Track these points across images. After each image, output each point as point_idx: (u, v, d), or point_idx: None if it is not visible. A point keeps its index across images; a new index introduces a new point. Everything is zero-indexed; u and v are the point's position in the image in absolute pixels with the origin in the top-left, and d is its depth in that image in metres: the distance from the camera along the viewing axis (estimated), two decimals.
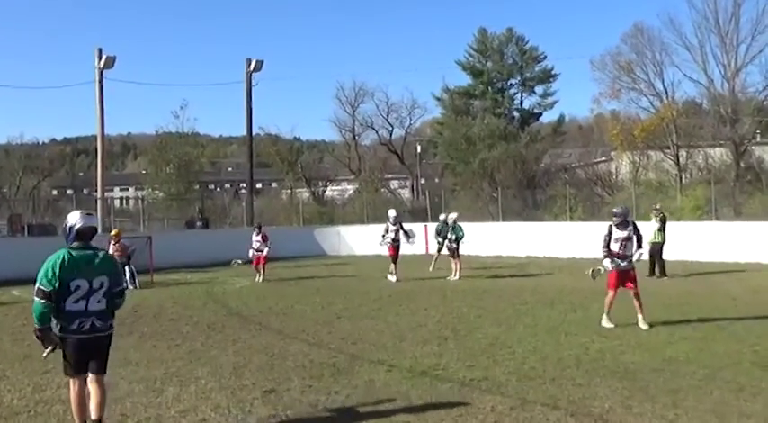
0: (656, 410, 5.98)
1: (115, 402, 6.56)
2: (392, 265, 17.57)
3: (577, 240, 21.94)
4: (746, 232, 20.26)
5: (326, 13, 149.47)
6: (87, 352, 5.34)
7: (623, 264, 10.18)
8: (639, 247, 10.30)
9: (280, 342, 9.55)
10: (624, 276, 10.18)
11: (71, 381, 5.43)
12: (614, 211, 10.56)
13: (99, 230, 5.69)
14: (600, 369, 7.50)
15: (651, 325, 9.91)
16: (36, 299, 5.21)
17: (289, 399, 6.62)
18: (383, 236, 18.08)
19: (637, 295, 10.13)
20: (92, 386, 5.38)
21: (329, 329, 10.45)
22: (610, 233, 10.23)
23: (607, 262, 10.22)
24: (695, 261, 19.62)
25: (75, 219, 5.42)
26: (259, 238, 18.03)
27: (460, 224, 18.58)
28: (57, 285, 5.15)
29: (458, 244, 18.13)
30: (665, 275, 16.84)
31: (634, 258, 10.27)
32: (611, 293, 10.18)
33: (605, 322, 10.09)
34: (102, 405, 5.37)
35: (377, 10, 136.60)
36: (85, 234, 5.42)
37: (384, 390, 6.86)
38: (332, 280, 18.10)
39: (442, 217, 20.12)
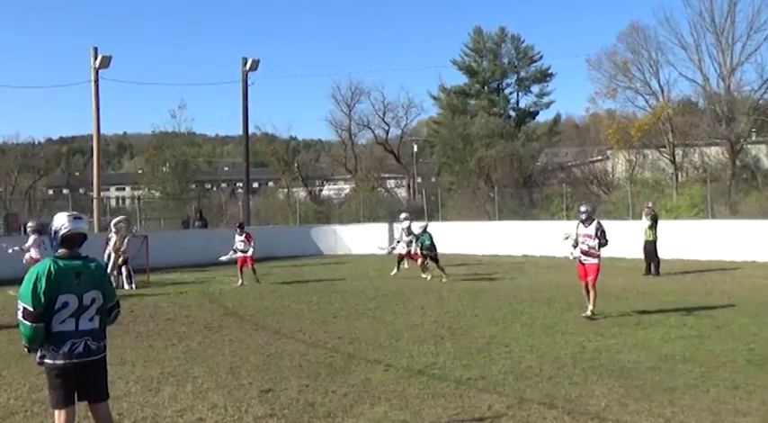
0: (653, 409, 6.00)
1: (112, 402, 6.52)
2: (424, 265, 17.43)
3: None
4: (742, 230, 20.30)
5: (322, 13, 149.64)
6: (80, 379, 4.58)
7: (584, 258, 11.01)
8: (600, 247, 10.97)
9: (276, 341, 9.55)
10: (584, 268, 10.99)
11: (58, 412, 4.57)
12: (581, 208, 11.45)
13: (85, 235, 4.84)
14: (596, 368, 7.51)
15: (595, 315, 10.62)
16: (23, 321, 4.51)
17: (285, 398, 6.62)
18: (398, 242, 18.18)
19: (593, 287, 10.88)
20: (95, 416, 4.75)
21: (326, 329, 10.46)
22: (577, 229, 11.16)
23: (576, 251, 11.16)
24: (691, 259, 19.66)
25: (61, 222, 4.63)
26: (242, 238, 17.13)
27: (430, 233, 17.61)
28: (44, 303, 4.44)
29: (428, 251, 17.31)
30: (659, 274, 16.88)
31: (584, 248, 11.01)
32: (582, 283, 11.06)
33: (588, 312, 10.79)
34: None
35: (373, 9, 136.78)
36: (73, 241, 4.65)
37: (381, 389, 6.87)
38: (328, 279, 18.08)
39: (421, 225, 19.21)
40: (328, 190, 46.68)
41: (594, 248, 10.90)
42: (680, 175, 32.36)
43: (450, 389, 6.83)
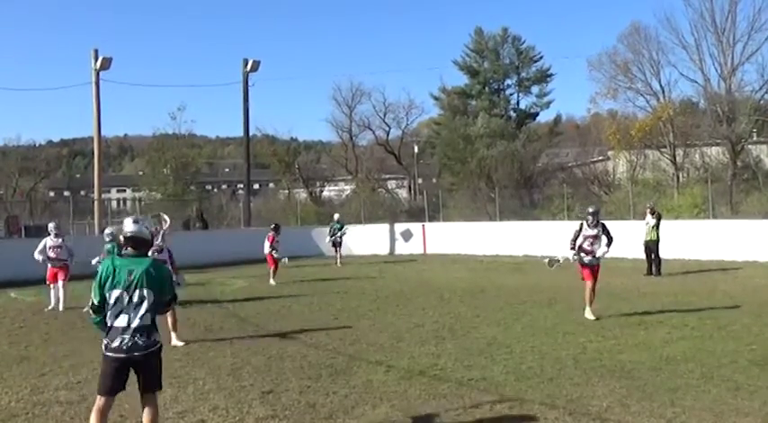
0: (654, 409, 5.99)
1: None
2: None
3: None
4: (743, 231, 20.29)
5: (323, 14, 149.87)
6: (126, 372, 4.96)
7: (587, 259, 10.92)
8: (608, 246, 10.94)
9: (277, 343, 9.54)
10: (590, 270, 10.90)
11: (99, 397, 4.97)
12: (589, 209, 11.28)
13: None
14: (598, 368, 7.50)
15: (598, 318, 10.56)
16: (89, 312, 5.17)
17: (287, 399, 6.62)
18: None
19: (593, 289, 10.87)
20: (143, 405, 5.06)
21: (327, 330, 10.45)
22: (580, 229, 11.02)
23: (570, 253, 11.03)
24: (693, 259, 19.65)
25: (124, 225, 5.19)
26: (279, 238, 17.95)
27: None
28: (100, 297, 4.94)
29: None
30: (660, 274, 16.87)
31: (598, 254, 10.94)
32: (588, 284, 10.85)
33: (588, 314, 10.68)
34: None
35: (373, 10, 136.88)
36: (131, 241, 5.13)
37: (382, 390, 6.86)
38: (329, 280, 18.07)
39: (336, 216, 24.76)
40: (329, 191, 46.67)
41: (601, 250, 10.87)
42: (681, 176, 32.35)
43: (452, 390, 6.82)
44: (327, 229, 24.57)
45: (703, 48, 32.17)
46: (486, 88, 42.94)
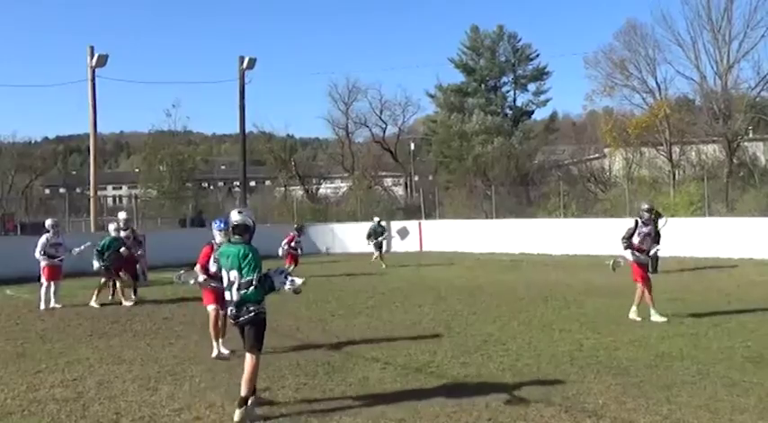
0: (650, 406, 6.00)
1: (109, 401, 6.55)
2: None
3: (571, 237, 22.01)
4: (739, 228, 20.34)
5: (320, 11, 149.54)
6: (239, 329, 6.12)
7: (643, 257, 10.58)
8: (657, 242, 10.86)
9: (274, 340, 9.50)
10: (646, 269, 10.61)
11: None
12: (644, 206, 10.90)
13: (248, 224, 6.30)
14: (594, 365, 7.51)
15: (666, 316, 10.19)
16: None
17: (283, 397, 6.61)
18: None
19: (650, 289, 10.44)
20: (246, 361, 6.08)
21: (323, 327, 10.45)
22: (635, 227, 10.61)
23: (628, 253, 10.54)
24: (688, 257, 19.67)
25: (230, 216, 6.23)
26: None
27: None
28: (221, 275, 6.26)
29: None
30: (657, 271, 16.88)
31: (651, 252, 10.79)
32: (641, 286, 10.44)
33: (633, 315, 10.30)
34: (247, 381, 5.94)
35: (370, 7, 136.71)
36: (236, 229, 6.13)
37: (378, 387, 6.86)
38: (326, 278, 18.07)
39: (376, 219, 23.36)
40: (325, 188, 46.66)
41: (654, 247, 10.80)
42: (677, 173, 32.42)
43: (448, 387, 6.82)
44: (368, 231, 22.79)
45: (699, 45, 32.31)
46: (483, 86, 43.00)
